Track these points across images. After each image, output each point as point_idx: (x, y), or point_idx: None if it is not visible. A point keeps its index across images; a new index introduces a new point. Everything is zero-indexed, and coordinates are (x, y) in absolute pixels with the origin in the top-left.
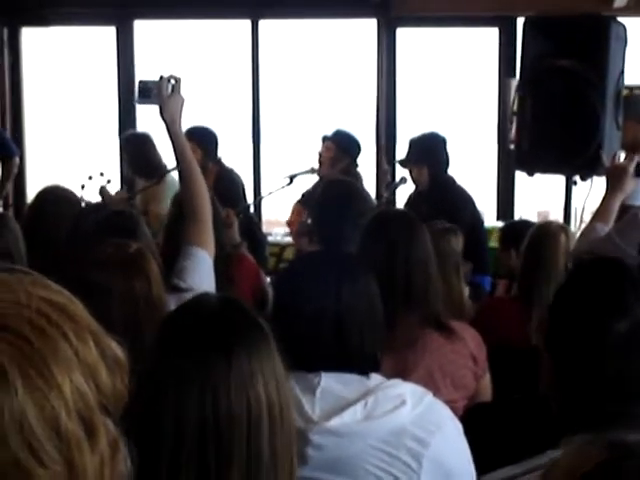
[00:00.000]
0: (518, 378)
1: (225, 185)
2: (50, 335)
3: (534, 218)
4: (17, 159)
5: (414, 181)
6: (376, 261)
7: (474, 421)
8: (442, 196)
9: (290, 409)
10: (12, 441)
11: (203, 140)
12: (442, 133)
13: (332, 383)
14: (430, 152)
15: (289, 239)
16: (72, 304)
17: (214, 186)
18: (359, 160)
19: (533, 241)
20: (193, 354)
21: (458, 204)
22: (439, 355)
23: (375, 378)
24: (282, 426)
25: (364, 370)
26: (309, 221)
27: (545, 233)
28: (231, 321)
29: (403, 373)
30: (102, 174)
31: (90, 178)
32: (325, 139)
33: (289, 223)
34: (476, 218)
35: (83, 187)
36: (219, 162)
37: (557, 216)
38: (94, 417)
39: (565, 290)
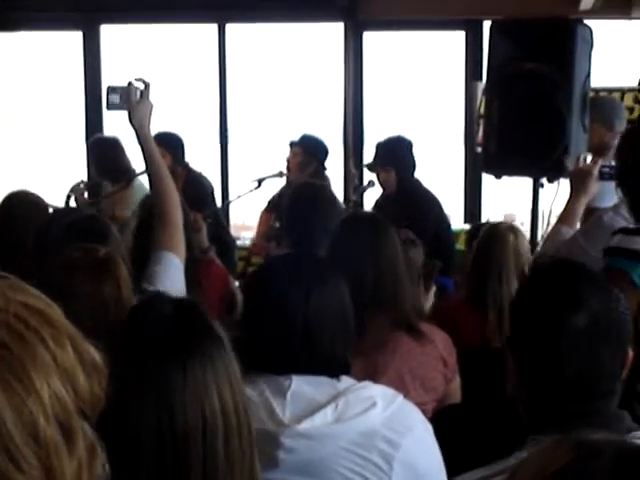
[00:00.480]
0: (478, 380)
1: (194, 189)
2: (28, 340)
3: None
4: None
5: (381, 185)
6: (345, 264)
7: (443, 423)
8: (408, 199)
9: (247, 414)
10: None
11: (171, 145)
12: (409, 136)
13: (303, 386)
14: (397, 155)
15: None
16: (50, 308)
17: (183, 190)
18: (327, 163)
19: (481, 242)
20: (147, 369)
21: (423, 207)
22: (409, 358)
23: (345, 380)
24: (239, 432)
25: (334, 373)
26: (277, 225)
27: (493, 234)
28: (185, 330)
29: (373, 376)
30: (83, 182)
31: (75, 187)
32: (292, 144)
33: (258, 234)
34: (442, 221)
35: (69, 198)
36: (187, 166)
37: (524, 219)
38: (72, 422)
39: (523, 291)
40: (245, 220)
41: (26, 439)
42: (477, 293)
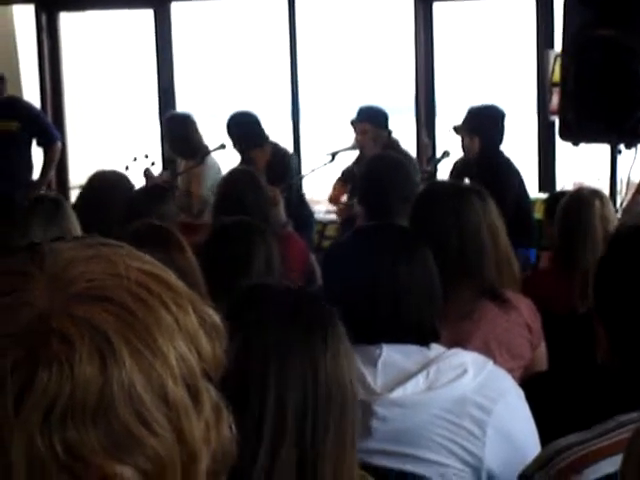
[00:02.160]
0: (566, 347)
1: (279, 165)
2: (151, 305)
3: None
4: (59, 144)
5: (463, 149)
6: (428, 233)
7: (532, 391)
8: (489, 169)
9: (356, 384)
10: (122, 411)
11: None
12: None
13: (393, 354)
14: (485, 125)
15: (331, 216)
16: (166, 273)
17: (268, 165)
18: (395, 130)
19: (567, 209)
20: (294, 334)
21: (505, 177)
22: (494, 325)
23: (436, 348)
24: (353, 404)
25: (424, 341)
26: (355, 201)
27: (578, 200)
28: (311, 308)
29: (459, 344)
30: (147, 156)
31: (135, 159)
32: (356, 122)
33: (331, 199)
34: (523, 191)
35: (127, 168)
36: (273, 143)
37: (596, 186)
38: (198, 383)
39: (607, 258)
40: (314, 194)
41: (156, 402)
42: (564, 259)
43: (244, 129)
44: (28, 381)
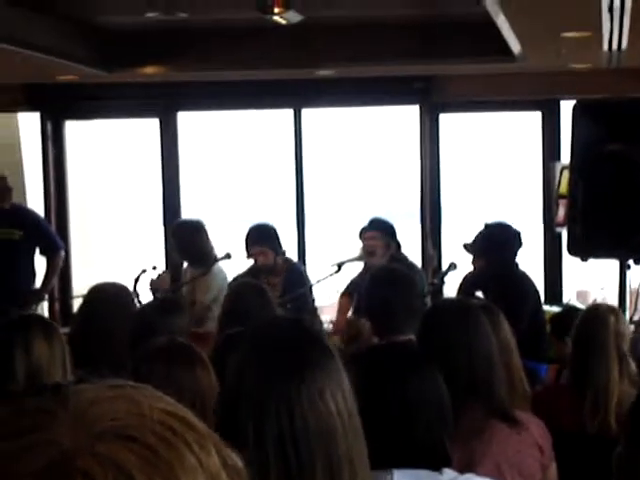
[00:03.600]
0: (574, 466)
1: (296, 281)
2: (175, 445)
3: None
4: (62, 253)
5: (474, 266)
6: (438, 352)
7: None
8: (506, 282)
9: (357, 416)
10: None
11: (271, 241)
12: (487, 216)
13: None
14: (492, 247)
15: None
16: (188, 414)
17: (284, 280)
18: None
19: (582, 326)
20: (272, 378)
21: (523, 290)
22: (506, 446)
23: (448, 473)
24: (355, 432)
25: (435, 465)
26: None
27: (594, 317)
28: (302, 345)
29: (470, 465)
30: (155, 267)
31: (144, 271)
32: (367, 230)
33: (338, 326)
34: (538, 305)
35: (137, 281)
36: (284, 256)
37: (600, 295)
38: None
39: None
40: (318, 303)
41: None
42: (577, 376)
43: (262, 238)
44: None
